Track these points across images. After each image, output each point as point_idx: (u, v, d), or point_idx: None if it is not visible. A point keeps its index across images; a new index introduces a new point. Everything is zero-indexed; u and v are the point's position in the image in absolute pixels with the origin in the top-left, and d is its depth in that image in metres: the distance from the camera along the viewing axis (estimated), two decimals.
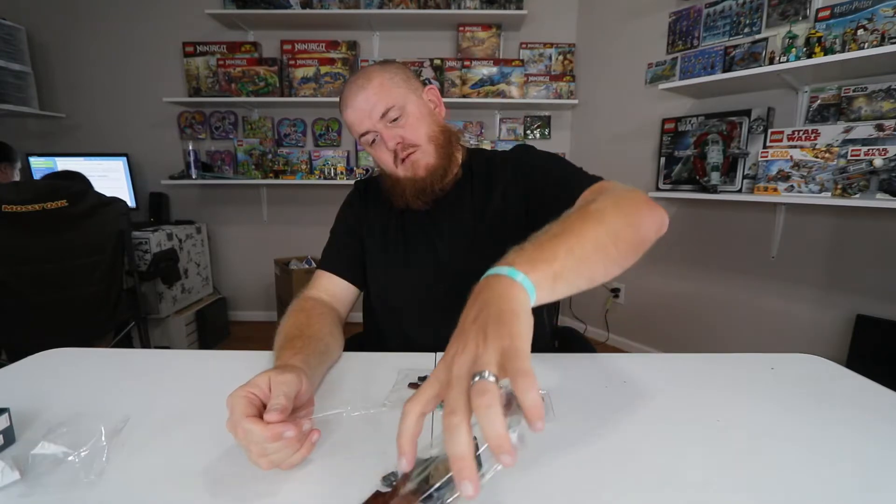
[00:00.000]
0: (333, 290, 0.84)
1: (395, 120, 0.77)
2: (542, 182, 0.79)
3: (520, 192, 0.82)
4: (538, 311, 0.68)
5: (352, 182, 2.64)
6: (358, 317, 0.94)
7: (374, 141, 0.79)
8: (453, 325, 0.83)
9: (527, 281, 0.41)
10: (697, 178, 2.00)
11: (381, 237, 0.88)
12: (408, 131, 0.77)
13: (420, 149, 0.79)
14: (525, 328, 0.36)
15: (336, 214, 0.94)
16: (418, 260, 0.85)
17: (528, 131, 2.81)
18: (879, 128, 1.51)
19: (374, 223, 0.89)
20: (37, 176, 2.51)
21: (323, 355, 0.65)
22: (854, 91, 1.59)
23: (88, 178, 2.56)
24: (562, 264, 0.44)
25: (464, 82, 2.60)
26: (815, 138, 1.63)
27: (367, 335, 0.95)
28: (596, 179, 0.72)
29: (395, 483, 0.42)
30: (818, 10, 1.66)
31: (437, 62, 2.61)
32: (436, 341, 0.78)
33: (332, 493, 0.42)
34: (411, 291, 0.85)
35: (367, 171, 2.68)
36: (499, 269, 0.42)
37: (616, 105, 2.48)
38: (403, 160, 0.78)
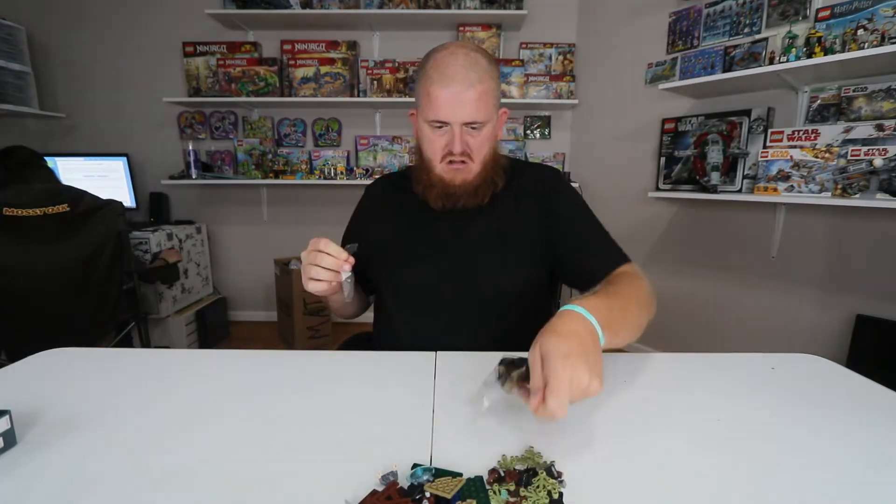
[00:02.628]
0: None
1: (473, 129, 0.78)
2: (570, 230, 0.84)
3: (543, 223, 0.84)
4: (543, 313, 0.71)
5: (351, 182, 2.64)
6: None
7: (440, 127, 0.78)
8: (455, 326, 0.83)
9: (602, 337, 0.54)
10: (697, 178, 2.00)
11: (397, 234, 0.89)
12: (475, 143, 0.79)
13: (470, 165, 0.80)
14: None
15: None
16: (430, 259, 0.85)
17: (528, 131, 2.81)
18: (879, 128, 1.51)
19: (389, 226, 0.90)
20: None
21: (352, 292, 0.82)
22: (854, 91, 1.59)
23: (88, 178, 2.58)
24: (619, 338, 0.59)
25: None
26: (815, 138, 1.63)
27: (376, 331, 0.97)
28: (626, 258, 0.81)
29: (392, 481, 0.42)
30: (818, 10, 1.66)
31: None
32: (435, 338, 0.78)
33: (330, 491, 0.42)
34: (417, 288, 0.85)
35: (366, 170, 2.68)
36: (591, 317, 0.53)
37: (616, 105, 2.48)
38: (451, 162, 0.79)
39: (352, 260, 0.71)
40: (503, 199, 0.86)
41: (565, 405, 0.45)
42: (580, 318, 0.53)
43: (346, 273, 0.71)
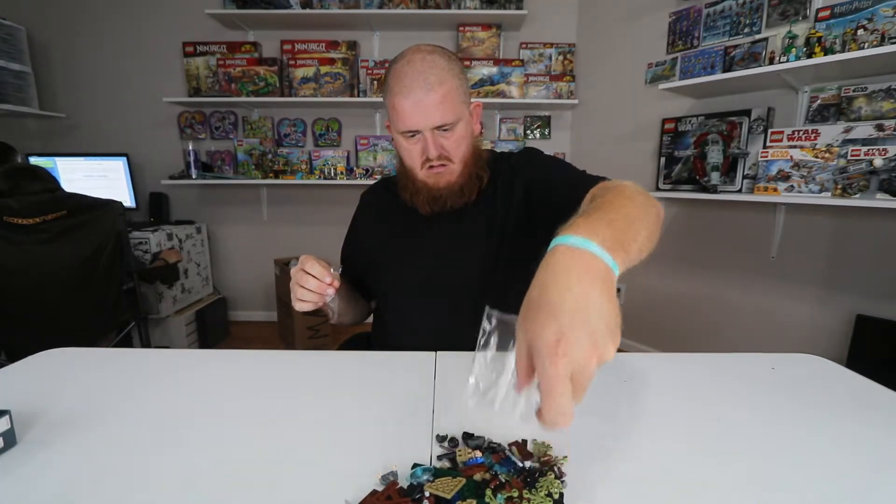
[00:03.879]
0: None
1: (445, 130, 0.77)
2: (547, 186, 0.79)
3: (524, 197, 0.83)
4: None
5: (351, 182, 2.64)
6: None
7: (412, 136, 0.78)
8: (451, 326, 0.82)
9: (615, 266, 0.40)
10: (697, 178, 2.00)
11: (389, 239, 0.89)
12: (451, 144, 0.78)
13: (450, 166, 0.79)
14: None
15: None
16: (422, 261, 0.85)
17: (528, 131, 2.80)
18: (879, 128, 1.51)
19: (381, 226, 0.91)
20: None
21: (349, 296, 0.90)
22: (854, 91, 1.59)
23: (88, 178, 2.58)
24: (634, 250, 0.45)
25: None
26: (815, 138, 1.63)
27: (374, 333, 0.98)
28: (601, 178, 0.72)
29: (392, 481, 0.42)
30: (818, 10, 1.66)
31: None
32: (433, 340, 0.78)
33: (331, 491, 0.42)
34: (415, 291, 0.86)
35: (366, 171, 2.68)
36: (591, 244, 0.40)
37: (616, 105, 2.48)
38: (432, 167, 0.79)
39: (336, 283, 0.73)
40: (489, 193, 0.86)
41: (566, 410, 0.34)
42: (575, 254, 0.39)
43: (328, 296, 0.73)
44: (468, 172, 0.82)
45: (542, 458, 0.47)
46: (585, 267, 0.38)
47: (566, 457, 0.46)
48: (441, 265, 0.84)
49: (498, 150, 0.94)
